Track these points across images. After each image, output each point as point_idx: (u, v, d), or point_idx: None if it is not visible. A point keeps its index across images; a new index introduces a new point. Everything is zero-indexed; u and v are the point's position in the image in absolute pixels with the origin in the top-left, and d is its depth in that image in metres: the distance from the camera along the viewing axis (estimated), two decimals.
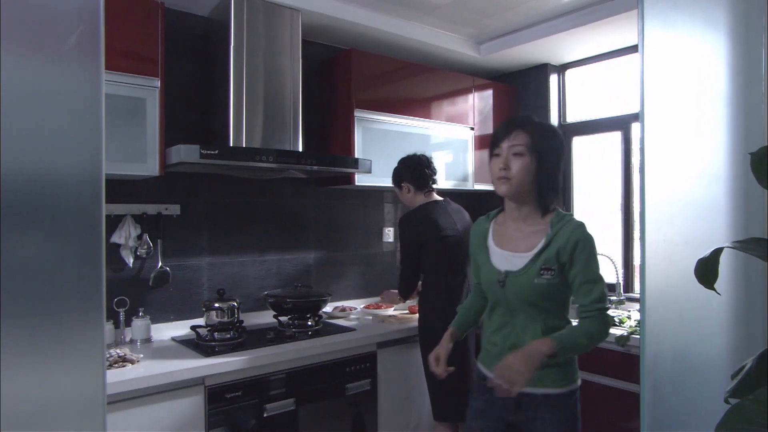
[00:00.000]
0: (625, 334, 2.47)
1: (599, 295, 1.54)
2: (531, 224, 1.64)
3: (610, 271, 3.17)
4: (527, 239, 1.63)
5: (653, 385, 0.99)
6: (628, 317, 2.70)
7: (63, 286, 0.43)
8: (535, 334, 1.57)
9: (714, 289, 0.97)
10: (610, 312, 1.59)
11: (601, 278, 1.57)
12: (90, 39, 0.41)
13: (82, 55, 0.41)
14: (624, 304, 3.08)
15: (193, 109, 2.66)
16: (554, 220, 1.60)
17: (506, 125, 1.65)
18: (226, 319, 2.36)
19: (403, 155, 3.01)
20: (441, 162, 3.27)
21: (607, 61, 3.41)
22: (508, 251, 1.65)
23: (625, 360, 2.49)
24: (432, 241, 2.50)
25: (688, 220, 1.12)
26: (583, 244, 1.55)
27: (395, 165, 2.70)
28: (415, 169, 2.61)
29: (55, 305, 0.43)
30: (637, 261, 3.24)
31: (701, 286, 0.97)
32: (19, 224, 0.40)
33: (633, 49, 3.22)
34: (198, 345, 2.26)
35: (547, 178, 1.61)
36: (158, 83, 2.20)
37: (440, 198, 2.66)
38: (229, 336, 2.33)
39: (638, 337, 2.42)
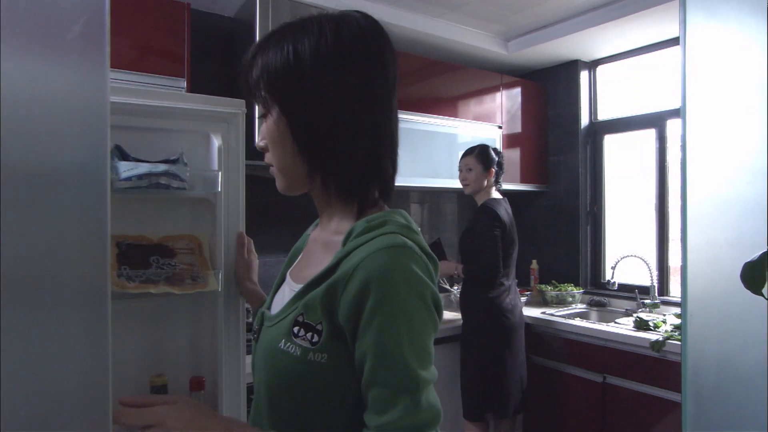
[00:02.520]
0: (661, 339, 2.37)
1: (401, 414, 0.67)
2: (336, 232, 0.85)
3: (644, 273, 3.07)
4: (317, 260, 0.86)
5: (696, 396, 0.93)
6: (663, 321, 2.60)
7: (65, 294, 0.40)
8: None
9: (762, 295, 0.90)
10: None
11: (415, 376, 0.68)
12: (95, 29, 0.38)
13: (87, 46, 0.38)
14: (659, 307, 2.97)
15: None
16: (352, 232, 0.78)
17: (243, 61, 0.84)
18: (250, 320, 2.35)
19: (430, 155, 3.00)
20: None
21: (640, 56, 3.30)
22: (292, 280, 0.89)
23: (660, 366, 2.40)
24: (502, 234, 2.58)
25: (733, 220, 1.06)
26: (379, 292, 0.69)
27: (478, 146, 2.73)
28: (501, 161, 2.73)
29: (58, 305, 0.41)
30: (672, 263, 3.13)
31: (747, 292, 0.91)
32: (20, 226, 0.38)
33: (668, 43, 3.11)
34: None
35: (318, 148, 0.79)
36: (184, 83, 2.20)
37: (503, 197, 2.74)
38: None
39: (674, 342, 2.33)
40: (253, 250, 1.34)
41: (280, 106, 0.78)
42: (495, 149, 2.74)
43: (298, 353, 0.74)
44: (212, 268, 1.32)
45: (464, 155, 2.73)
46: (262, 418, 0.82)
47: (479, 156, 2.66)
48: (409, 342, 0.69)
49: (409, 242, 0.74)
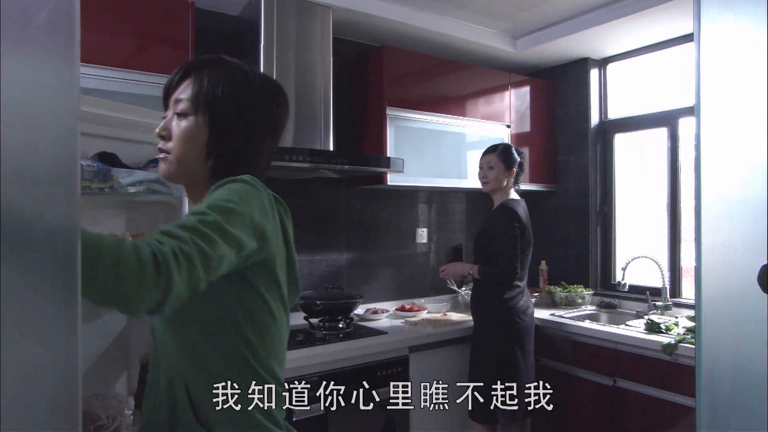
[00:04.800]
0: (673, 342, 2.32)
1: (191, 222, 0.81)
2: None
3: (655, 274, 3.01)
4: None
5: (711, 404, 0.89)
6: (676, 324, 2.55)
7: (33, 294, 0.38)
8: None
9: None
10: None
11: (208, 214, 0.84)
12: (64, 16, 0.36)
13: (54, 36, 0.36)
14: (670, 309, 2.92)
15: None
16: (210, 193, 0.96)
17: (178, 69, 1.06)
18: None
19: (438, 154, 2.97)
20: (477, 160, 3.19)
21: (651, 53, 3.24)
22: None
23: (672, 370, 2.35)
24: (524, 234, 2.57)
25: (749, 221, 1.01)
26: (219, 187, 0.94)
27: (500, 144, 2.69)
28: (522, 162, 2.68)
29: (28, 304, 0.39)
30: (684, 263, 3.07)
31: (765, 295, 0.87)
32: None
33: (680, 40, 3.05)
34: None
35: (227, 155, 1.02)
36: None
37: (520, 198, 2.70)
38: None
39: (686, 345, 2.28)
40: None
41: (211, 118, 1.00)
42: (517, 149, 2.69)
43: None
44: None
45: (486, 152, 2.67)
46: (163, 360, 0.97)
47: (502, 154, 2.61)
48: (219, 199, 0.88)
49: (247, 177, 0.96)
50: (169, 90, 1.04)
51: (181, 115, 1.01)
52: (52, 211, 0.37)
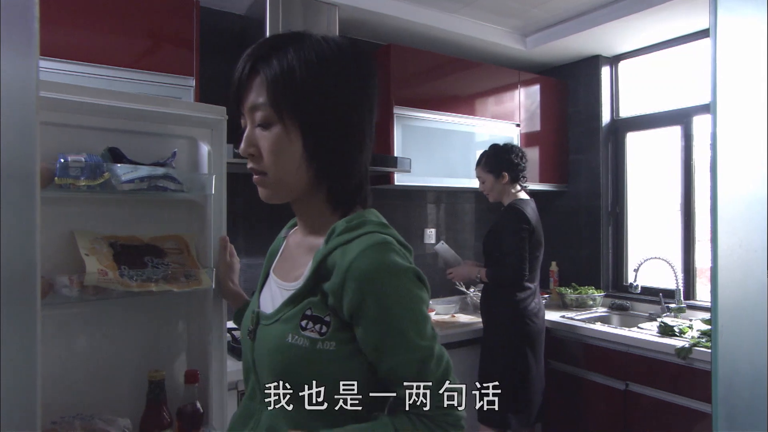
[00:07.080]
0: (687, 345, 2.27)
1: (422, 379, 0.81)
2: (319, 235, 0.92)
3: (668, 276, 2.95)
4: (303, 260, 0.93)
5: (728, 414, 0.85)
6: (690, 327, 2.49)
7: None
8: None
9: None
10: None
11: (421, 348, 0.81)
12: (19, 3, 0.33)
13: (9, 23, 0.33)
14: (684, 312, 2.85)
15: (228, 108, 2.63)
16: (334, 231, 0.86)
17: (243, 65, 0.86)
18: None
19: (446, 154, 2.93)
20: None
21: (665, 50, 3.18)
22: (280, 279, 0.95)
23: (686, 374, 2.29)
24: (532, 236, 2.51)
25: None
26: (373, 290, 0.79)
27: (487, 151, 2.63)
28: (513, 159, 2.58)
29: None
30: (699, 264, 3.01)
31: None
32: None
33: (695, 36, 2.99)
34: (233, 348, 2.22)
35: (329, 157, 0.86)
36: (193, 82, 2.17)
37: (529, 197, 2.63)
38: None
39: (701, 349, 2.23)
40: (235, 253, 1.40)
41: (300, 120, 0.83)
42: (507, 146, 2.60)
43: (307, 344, 0.81)
44: (200, 266, 1.37)
45: (476, 164, 2.66)
46: (267, 416, 0.87)
47: (485, 166, 2.58)
48: (409, 324, 0.81)
49: (388, 237, 0.84)
50: (239, 94, 0.87)
51: (264, 125, 0.84)
52: (7, 212, 0.34)
